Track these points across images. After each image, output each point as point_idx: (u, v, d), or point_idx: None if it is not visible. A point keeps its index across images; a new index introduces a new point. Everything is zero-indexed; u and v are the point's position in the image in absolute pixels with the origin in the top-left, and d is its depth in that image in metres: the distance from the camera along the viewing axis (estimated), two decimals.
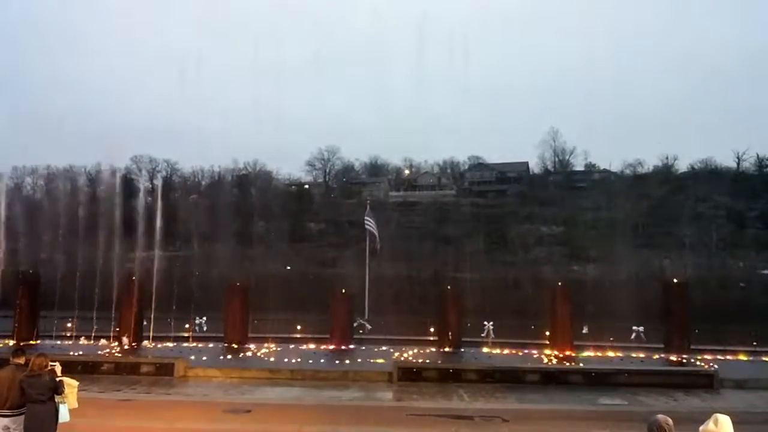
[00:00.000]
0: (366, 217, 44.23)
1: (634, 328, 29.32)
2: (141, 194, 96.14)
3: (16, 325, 28.29)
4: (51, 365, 9.92)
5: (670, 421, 6.42)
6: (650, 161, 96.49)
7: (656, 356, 26.20)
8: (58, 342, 27.90)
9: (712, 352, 26.33)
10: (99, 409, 14.33)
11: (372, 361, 24.77)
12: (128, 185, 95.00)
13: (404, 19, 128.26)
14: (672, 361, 25.20)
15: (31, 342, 26.98)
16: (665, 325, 27.55)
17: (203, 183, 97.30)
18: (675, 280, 29.68)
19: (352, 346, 28.34)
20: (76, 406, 10.12)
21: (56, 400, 9.74)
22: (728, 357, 26.09)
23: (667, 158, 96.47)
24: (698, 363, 24.11)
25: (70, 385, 10.08)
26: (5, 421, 9.63)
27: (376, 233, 43.00)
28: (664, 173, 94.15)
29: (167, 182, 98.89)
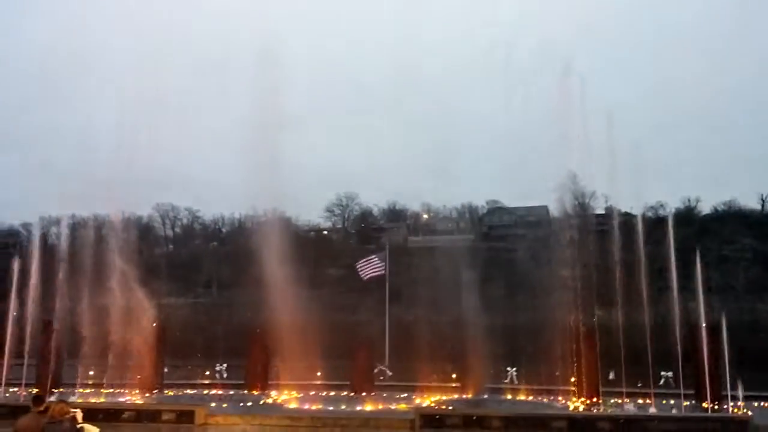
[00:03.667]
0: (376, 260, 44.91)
1: (663, 373, 28.60)
2: (163, 242, 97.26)
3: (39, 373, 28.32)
4: (72, 412, 9.85)
5: None
6: (672, 204, 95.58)
7: (687, 403, 25.48)
8: (80, 390, 27.83)
9: (745, 398, 25.55)
10: None
11: (394, 407, 24.38)
12: (150, 233, 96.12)
13: (417, 63, 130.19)
14: (703, 407, 24.48)
15: (54, 390, 26.90)
16: (695, 371, 26.84)
17: (224, 230, 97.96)
18: (704, 325, 29.01)
19: (373, 393, 27.95)
20: None
21: None
22: (763, 403, 25.34)
23: (689, 200, 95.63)
24: (731, 409, 23.40)
25: None
26: None
27: (379, 269, 43.88)
28: (687, 216, 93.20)
29: (188, 230, 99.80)
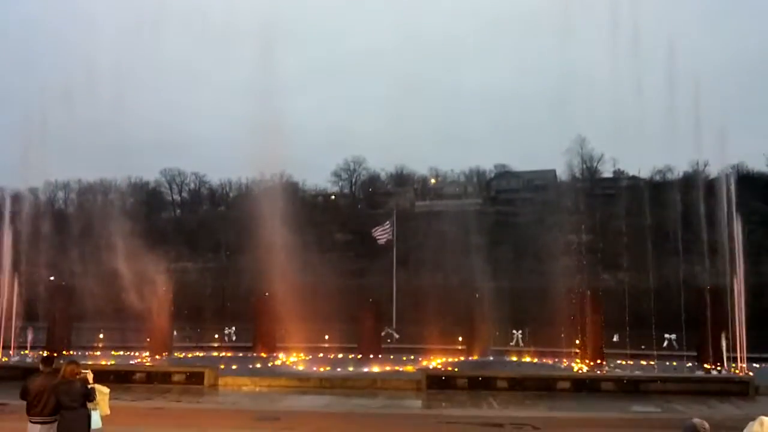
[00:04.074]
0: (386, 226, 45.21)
1: (666, 335, 28.81)
2: (170, 207, 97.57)
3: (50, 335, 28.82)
4: (83, 373, 10.02)
5: (707, 425, 6.22)
6: (680, 167, 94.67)
7: (689, 364, 25.75)
8: (89, 352, 28.31)
9: (747, 359, 25.79)
10: (130, 416, 14.47)
11: (401, 369, 24.71)
12: (157, 198, 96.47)
13: (425, 27, 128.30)
14: (706, 368, 24.74)
15: (64, 352, 27.37)
16: (698, 333, 27.05)
17: (231, 195, 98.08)
18: (708, 287, 29.11)
19: (380, 355, 28.31)
20: (108, 413, 10.21)
21: (88, 407, 9.83)
22: (764, 364, 25.56)
23: (697, 164, 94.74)
24: (733, 370, 23.63)
25: (102, 392, 10.16)
26: (39, 427, 9.76)
27: (387, 234, 44.29)
28: (695, 179, 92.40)
29: (195, 195, 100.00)
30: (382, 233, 46.81)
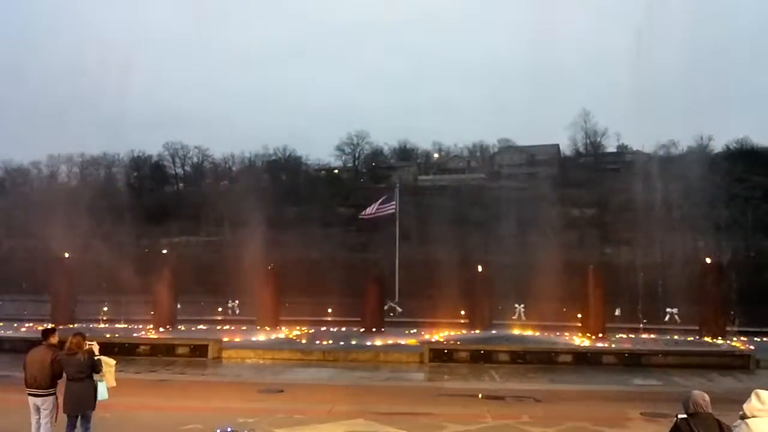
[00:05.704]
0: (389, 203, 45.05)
1: (669, 309, 28.95)
2: (173, 180, 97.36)
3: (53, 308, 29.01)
4: (89, 344, 10.10)
5: (707, 397, 6.29)
6: (684, 142, 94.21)
7: (691, 338, 25.88)
8: (92, 325, 28.51)
9: (748, 333, 25.91)
10: (136, 388, 14.64)
11: (403, 342, 24.86)
12: (160, 172, 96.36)
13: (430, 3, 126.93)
14: (707, 342, 24.86)
15: (69, 325, 27.55)
16: (700, 307, 27.14)
17: (234, 169, 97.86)
18: (709, 261, 29.15)
19: (383, 329, 28.46)
20: (114, 384, 10.30)
21: (95, 378, 9.92)
22: (765, 338, 25.67)
23: (701, 138, 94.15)
24: (734, 344, 23.75)
25: (108, 363, 10.25)
26: (36, 400, 9.83)
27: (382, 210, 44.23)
28: (699, 154, 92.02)
29: (199, 169, 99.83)
30: (378, 209, 46.28)
